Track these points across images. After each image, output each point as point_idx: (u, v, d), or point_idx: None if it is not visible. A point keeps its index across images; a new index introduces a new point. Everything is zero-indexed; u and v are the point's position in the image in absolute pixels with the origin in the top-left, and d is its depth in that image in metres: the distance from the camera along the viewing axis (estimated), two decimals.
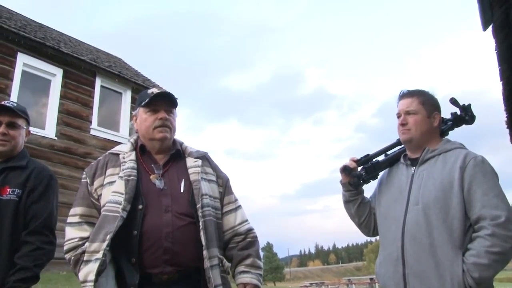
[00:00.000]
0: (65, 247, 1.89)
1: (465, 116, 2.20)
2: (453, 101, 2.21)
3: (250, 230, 2.10)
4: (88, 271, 1.74)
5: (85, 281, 1.74)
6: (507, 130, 4.90)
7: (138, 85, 12.07)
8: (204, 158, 2.14)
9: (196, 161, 2.05)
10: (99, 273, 1.72)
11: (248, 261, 1.99)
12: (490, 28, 2.44)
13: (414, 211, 1.98)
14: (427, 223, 1.91)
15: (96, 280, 1.71)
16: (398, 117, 2.17)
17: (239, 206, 2.14)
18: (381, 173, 2.32)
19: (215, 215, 1.99)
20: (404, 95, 2.19)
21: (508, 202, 1.88)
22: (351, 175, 2.24)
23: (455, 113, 2.23)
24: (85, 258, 1.79)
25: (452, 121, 2.24)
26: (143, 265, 1.81)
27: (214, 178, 2.10)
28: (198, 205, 1.90)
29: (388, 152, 2.30)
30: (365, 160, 2.26)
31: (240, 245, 2.04)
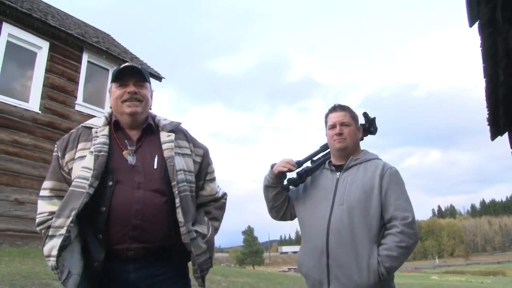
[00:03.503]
0: (37, 220, 1.90)
1: (371, 127, 2.59)
2: (365, 114, 2.59)
3: (224, 194, 2.25)
4: (52, 246, 1.75)
5: (48, 256, 1.75)
6: (488, 127, 4.98)
7: (125, 63, 11.88)
8: (179, 130, 2.12)
9: (169, 136, 2.03)
10: (62, 248, 1.72)
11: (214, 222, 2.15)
12: (476, 25, 2.48)
13: (338, 210, 2.26)
14: (350, 221, 2.20)
15: (59, 255, 1.71)
16: (332, 127, 2.43)
17: (216, 176, 2.24)
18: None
19: (190, 189, 2.01)
20: (337, 108, 2.50)
21: (412, 206, 2.27)
22: (288, 180, 2.46)
23: (364, 125, 2.58)
24: (49, 233, 1.78)
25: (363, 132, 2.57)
26: (110, 241, 1.81)
27: (189, 151, 2.08)
28: (174, 183, 1.90)
29: (314, 158, 2.55)
30: (298, 166, 2.45)
31: (216, 205, 2.20)
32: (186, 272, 2.05)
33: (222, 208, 2.22)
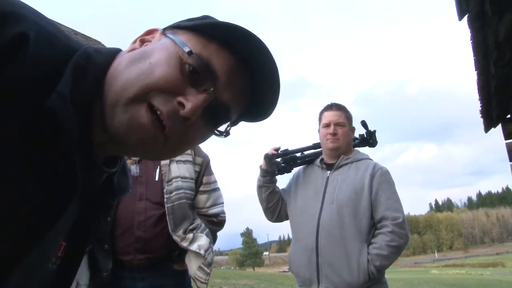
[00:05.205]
0: None
1: (370, 139, 2.58)
2: (363, 124, 2.59)
3: (218, 214, 2.14)
4: None
5: None
6: (481, 120, 5.00)
7: None
8: None
9: None
10: None
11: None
12: (465, 18, 2.49)
13: (328, 209, 2.28)
14: (340, 219, 2.22)
15: None
16: (327, 126, 2.44)
17: (215, 189, 2.16)
18: (295, 169, 2.60)
19: (190, 196, 2.01)
20: (333, 107, 2.49)
21: (402, 206, 2.29)
22: (270, 162, 2.46)
23: (363, 135, 2.57)
24: None
25: (360, 141, 2.58)
26: (116, 252, 1.84)
27: (190, 158, 2.08)
28: (165, 190, 1.91)
29: (305, 152, 2.57)
30: (284, 153, 2.50)
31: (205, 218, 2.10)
32: (188, 282, 2.06)
33: (212, 223, 2.12)
